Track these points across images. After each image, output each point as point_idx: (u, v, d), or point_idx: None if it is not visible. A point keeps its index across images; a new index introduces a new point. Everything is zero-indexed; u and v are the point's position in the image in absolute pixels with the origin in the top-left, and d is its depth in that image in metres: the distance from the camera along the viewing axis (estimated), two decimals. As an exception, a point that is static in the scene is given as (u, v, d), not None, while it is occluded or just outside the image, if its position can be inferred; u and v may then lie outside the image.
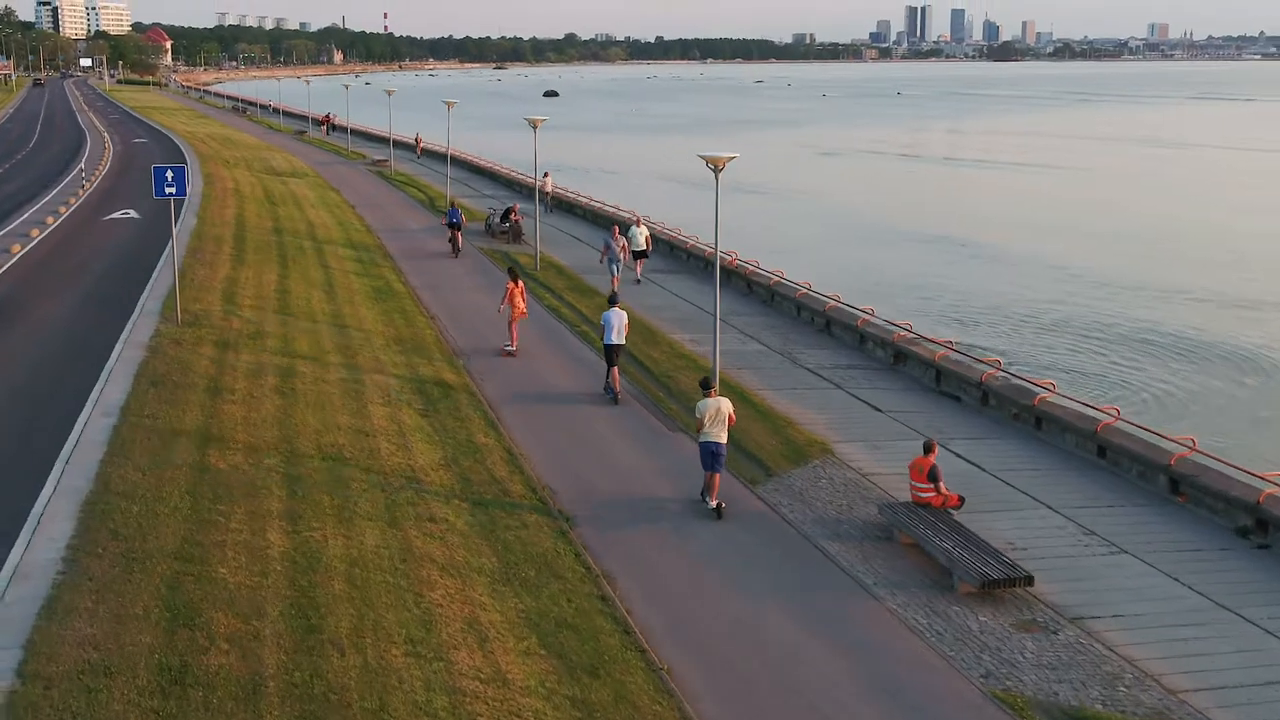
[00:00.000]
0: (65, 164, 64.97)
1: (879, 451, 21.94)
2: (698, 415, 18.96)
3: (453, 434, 21.51)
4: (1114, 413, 22.13)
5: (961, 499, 18.22)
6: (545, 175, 63.83)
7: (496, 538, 16.95)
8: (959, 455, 21.74)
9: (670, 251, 43.71)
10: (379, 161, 76.90)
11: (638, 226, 37.99)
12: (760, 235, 53.55)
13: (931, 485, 18.01)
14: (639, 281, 37.03)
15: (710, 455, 18.71)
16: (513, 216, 47.81)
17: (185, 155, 70.71)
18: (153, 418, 19.35)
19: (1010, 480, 20.57)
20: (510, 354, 27.86)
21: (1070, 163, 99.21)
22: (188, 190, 27.04)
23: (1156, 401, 30.13)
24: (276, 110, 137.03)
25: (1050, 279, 47.16)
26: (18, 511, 15.21)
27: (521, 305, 28.05)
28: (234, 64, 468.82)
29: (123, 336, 24.84)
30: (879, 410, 24.83)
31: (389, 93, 75.17)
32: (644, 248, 37.51)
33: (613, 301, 25.72)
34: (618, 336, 24.73)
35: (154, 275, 31.97)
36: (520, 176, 68.24)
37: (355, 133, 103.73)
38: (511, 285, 28.03)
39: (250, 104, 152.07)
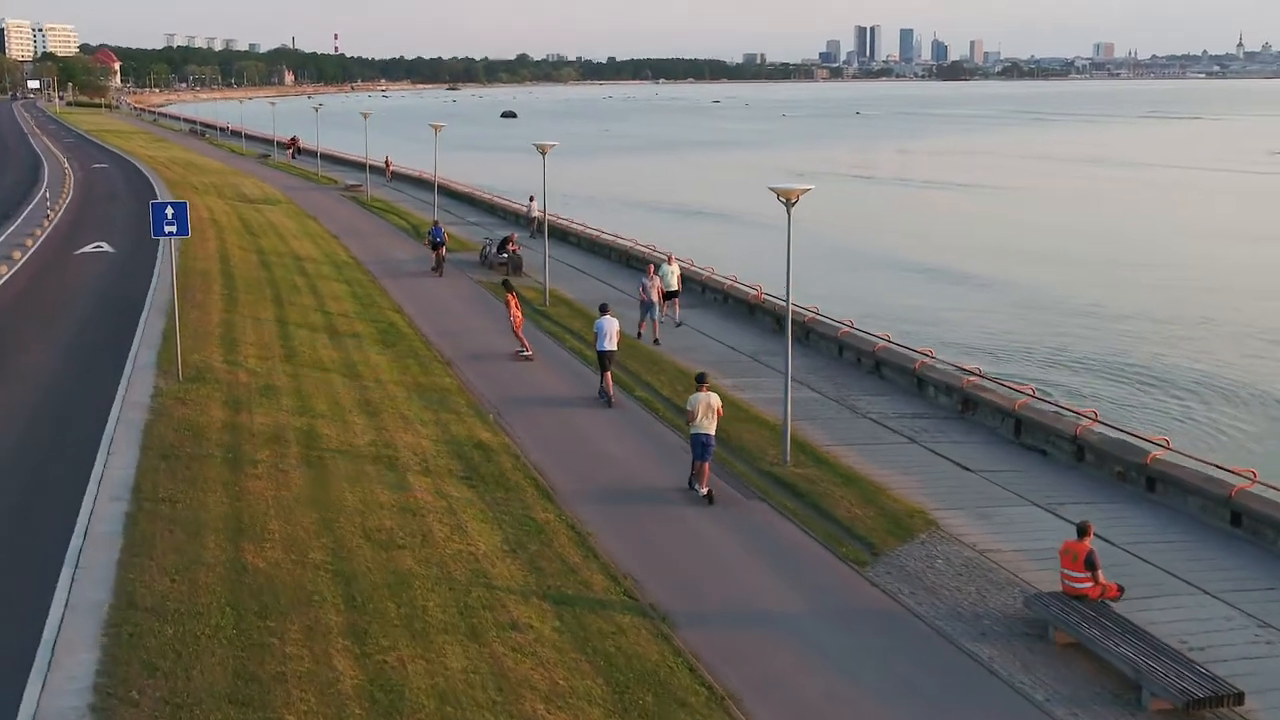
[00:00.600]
0: (24, 193, 61.61)
1: (988, 522, 19.46)
2: (689, 408, 20.45)
3: (507, 509, 18.83)
4: (1250, 475, 19.75)
5: (1121, 589, 15.75)
6: (531, 199, 61.33)
7: (594, 649, 14.29)
8: (1075, 524, 19.29)
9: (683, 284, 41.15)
10: (353, 187, 74.02)
11: (669, 264, 35.08)
12: (747, 261, 51.32)
13: (1089, 574, 15.53)
14: (679, 324, 34.15)
15: (700, 445, 20.21)
16: (510, 247, 45.17)
17: (151, 182, 67.52)
18: (170, 501, 16.56)
19: (1147, 557, 18.14)
20: (527, 358, 29.53)
21: (1046, 185, 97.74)
22: (188, 228, 24.01)
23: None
24: (237, 133, 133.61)
25: (1059, 309, 45.06)
26: (27, 636, 12.43)
27: (518, 314, 30.03)
28: (184, 85, 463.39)
29: (119, 394, 22.00)
30: (968, 469, 22.35)
31: (364, 115, 72.30)
32: (676, 287, 34.80)
33: (604, 310, 26.57)
34: (610, 343, 25.70)
35: (142, 319, 29.06)
36: (504, 202, 65.68)
37: (323, 156, 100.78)
38: (510, 296, 30.11)
39: (208, 126, 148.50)
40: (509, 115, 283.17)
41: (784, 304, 34.23)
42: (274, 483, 17.93)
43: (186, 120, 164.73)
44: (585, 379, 27.79)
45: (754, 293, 36.81)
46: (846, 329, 31.38)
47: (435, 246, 43.03)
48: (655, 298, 32.11)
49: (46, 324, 28.97)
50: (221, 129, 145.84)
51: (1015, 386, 25.87)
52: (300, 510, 16.97)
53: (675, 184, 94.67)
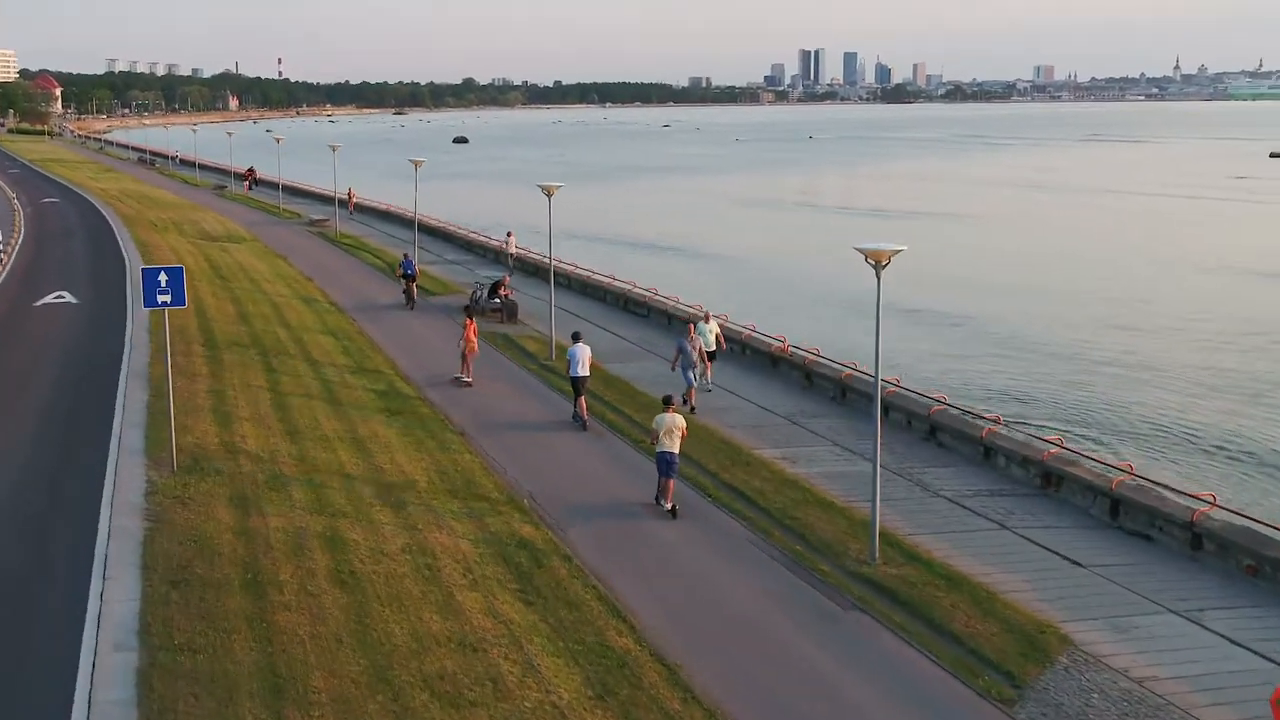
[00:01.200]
0: (-29, 231, 58.15)
1: (1128, 638, 16.85)
2: (655, 428, 21.52)
3: (578, 635, 15.99)
4: None
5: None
6: (509, 235, 58.55)
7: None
8: (1228, 638, 16.80)
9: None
10: (319, 221, 70.81)
11: (707, 322, 31.88)
12: (748, 304, 48.97)
13: (1313, 732, 12.93)
14: (710, 389, 30.87)
15: (665, 463, 21.28)
16: (503, 291, 42.32)
17: (107, 218, 64.01)
18: (190, 650, 13.62)
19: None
20: (466, 384, 30.33)
21: (1014, 213, 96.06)
22: (185, 298, 21.02)
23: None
24: (189, 163, 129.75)
25: (1072, 353, 42.79)
26: None
27: (474, 341, 30.63)
28: (126, 111, 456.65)
29: (107, 493, 18.96)
30: (1078, 565, 19.75)
31: (333, 148, 68.99)
32: (715, 347, 31.78)
33: (576, 338, 27.80)
34: (583, 369, 26.91)
35: (121, 387, 25.91)
36: (482, 239, 62.78)
37: (283, 188, 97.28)
38: (468, 321, 31.14)
39: (158, 155, 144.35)
40: (461, 141, 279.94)
41: (815, 356, 32.06)
42: (307, 614, 15.00)
43: (135, 149, 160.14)
44: (633, 465, 25.01)
45: (778, 344, 34.18)
46: (894, 388, 28.78)
47: (407, 279, 42.74)
48: (696, 361, 29.13)
49: (11, 396, 25.78)
50: (170, 157, 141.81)
51: (1110, 462, 23.39)
52: (344, 654, 14.07)
53: (648, 214, 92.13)
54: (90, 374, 27.63)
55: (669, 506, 21.23)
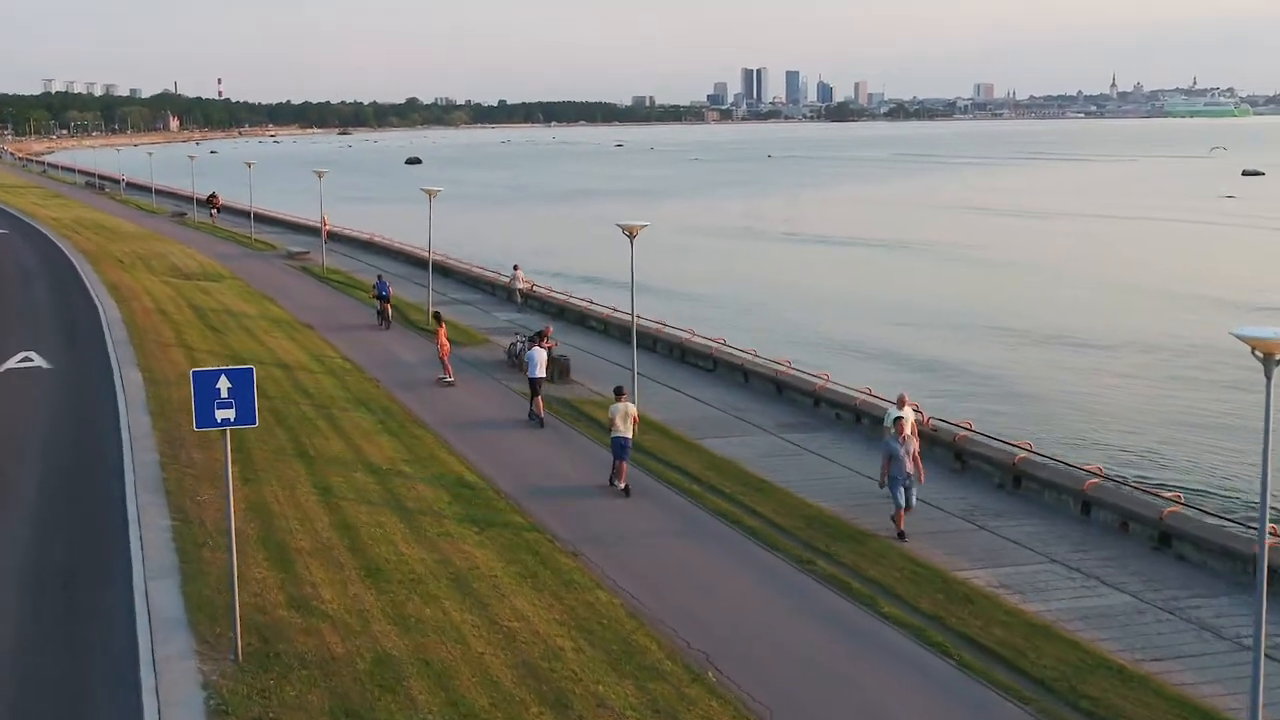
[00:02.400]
0: (-90, 271, 51.25)
1: None
2: (610, 415, 23.84)
3: None
4: None
5: None
6: (515, 269, 52.79)
7: None
8: None
9: (725, 371, 32.62)
10: (299, 255, 64.32)
11: (903, 407, 23.76)
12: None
13: None
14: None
15: (619, 447, 23.35)
16: (547, 344, 36.29)
17: (67, 254, 57.24)
18: None
19: None
20: (449, 384, 33.09)
21: (995, 240, 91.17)
22: (255, 412, 14.76)
23: None
24: (142, 187, 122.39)
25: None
26: None
27: (446, 344, 33.74)
28: (65, 132, 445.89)
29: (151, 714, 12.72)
30: (1239, 646, 14.08)
31: (319, 174, 62.48)
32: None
33: (533, 341, 31.38)
34: (540, 371, 29.04)
35: (131, 506, 19.60)
36: (489, 274, 56.60)
37: (243, 214, 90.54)
38: (440, 329, 34.12)
39: (107, 179, 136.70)
40: (414, 161, 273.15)
41: (825, 382, 26.65)
42: None
43: (81, 172, 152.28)
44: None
45: (783, 366, 28.66)
46: (932, 420, 23.67)
47: (382, 300, 42.48)
48: (911, 465, 21.38)
49: (-17, 513, 19.45)
50: (117, 180, 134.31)
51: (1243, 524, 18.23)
52: None
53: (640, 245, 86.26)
54: (84, 481, 21.30)
55: (622, 486, 23.29)
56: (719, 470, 24.85)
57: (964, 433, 25.82)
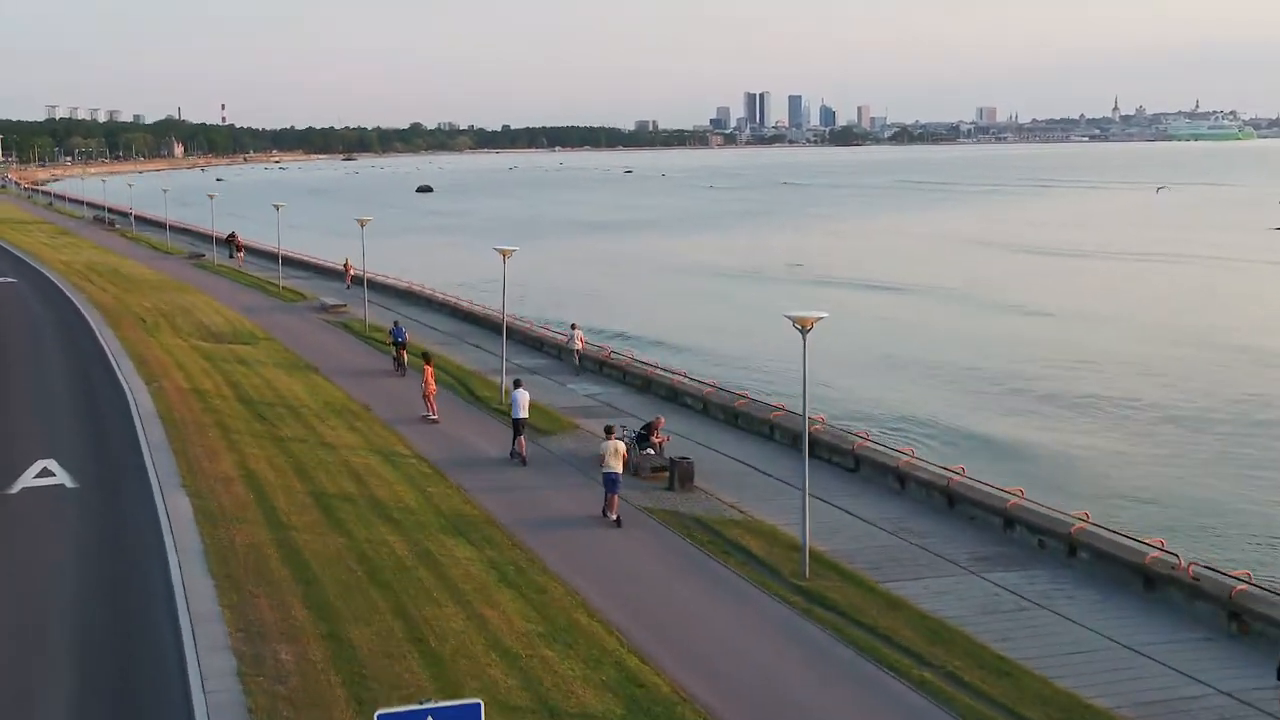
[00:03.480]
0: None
1: None
2: (600, 452, 25.91)
3: None
4: None
5: None
6: (573, 327, 47.47)
7: None
8: None
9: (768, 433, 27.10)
10: (335, 308, 58.84)
11: None
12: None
13: None
14: None
15: (610, 481, 25.32)
16: (657, 438, 30.87)
17: (81, 310, 51.88)
18: None
19: None
20: (433, 421, 34.67)
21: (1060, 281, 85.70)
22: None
23: None
24: (154, 223, 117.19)
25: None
26: None
27: (433, 385, 35.54)
28: (69, 160, 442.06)
29: None
30: None
31: (361, 223, 56.79)
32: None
33: (517, 384, 31.79)
34: (523, 412, 30.62)
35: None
36: (544, 332, 51.20)
37: (266, 255, 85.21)
38: (427, 367, 36.07)
39: (116, 213, 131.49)
40: (424, 190, 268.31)
41: (867, 441, 21.10)
42: None
43: (89, 204, 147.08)
44: None
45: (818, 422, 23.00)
46: (958, 478, 17.77)
47: (397, 346, 42.66)
48: None
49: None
50: (126, 214, 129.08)
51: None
52: None
53: (669, 293, 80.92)
54: (138, 687, 15.76)
55: (614, 517, 25.05)
56: (943, 642, 19.33)
57: None
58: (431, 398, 35.22)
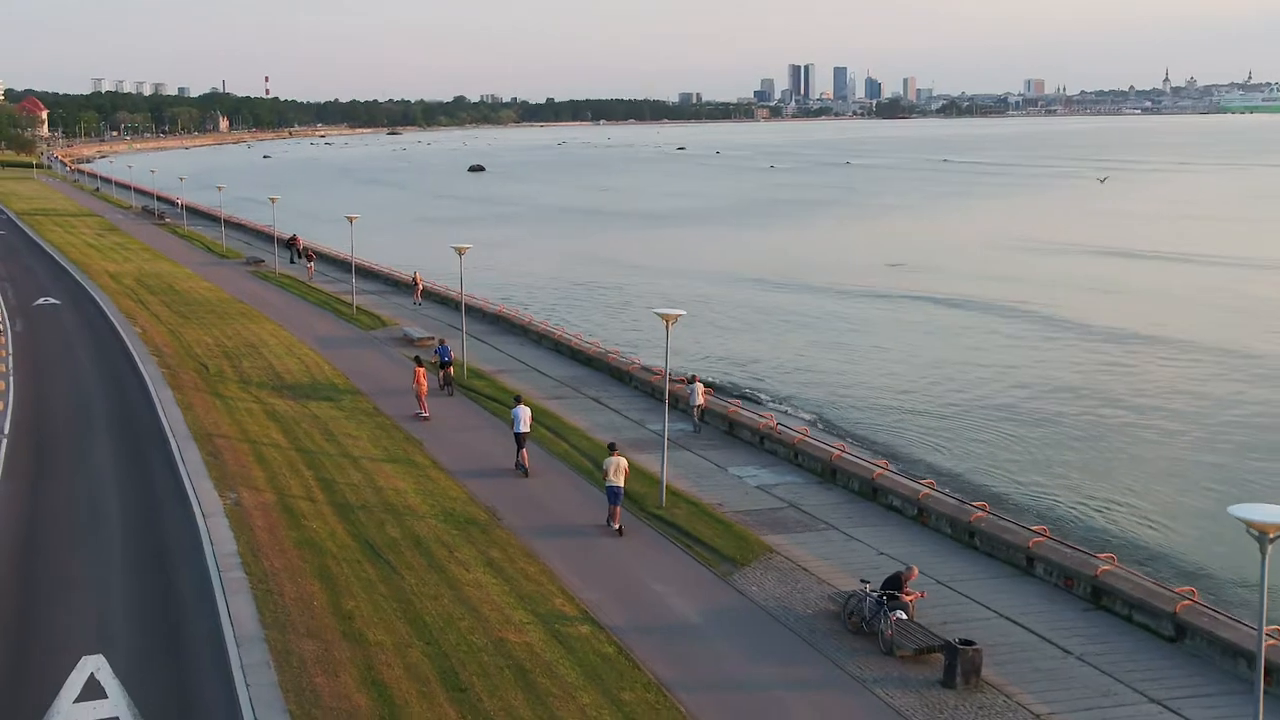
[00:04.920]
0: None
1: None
2: (604, 468, 27.43)
3: None
4: None
5: None
6: (693, 380, 39.48)
7: None
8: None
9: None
10: (420, 341, 50.88)
11: None
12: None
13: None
14: None
15: (613, 494, 27.14)
16: (907, 595, 22.78)
17: (130, 350, 44.31)
18: None
19: None
20: (424, 419, 37.14)
21: None
22: None
23: None
24: (200, 213, 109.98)
25: None
26: None
27: (424, 385, 38.00)
28: (115, 134, 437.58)
29: None
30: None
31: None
32: None
33: (517, 400, 33.49)
34: (525, 427, 31.86)
35: None
36: (650, 374, 42.83)
37: (326, 258, 77.56)
38: (418, 370, 38.41)
39: (164, 202, 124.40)
40: (476, 169, 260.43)
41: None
42: None
43: (138, 191, 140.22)
44: None
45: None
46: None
47: (444, 366, 41.54)
48: None
49: None
50: (174, 203, 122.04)
51: None
52: None
53: (826, 315, 72.45)
54: None
55: (616, 527, 27.19)
56: None
57: None
58: (423, 397, 37.96)
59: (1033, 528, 27.21)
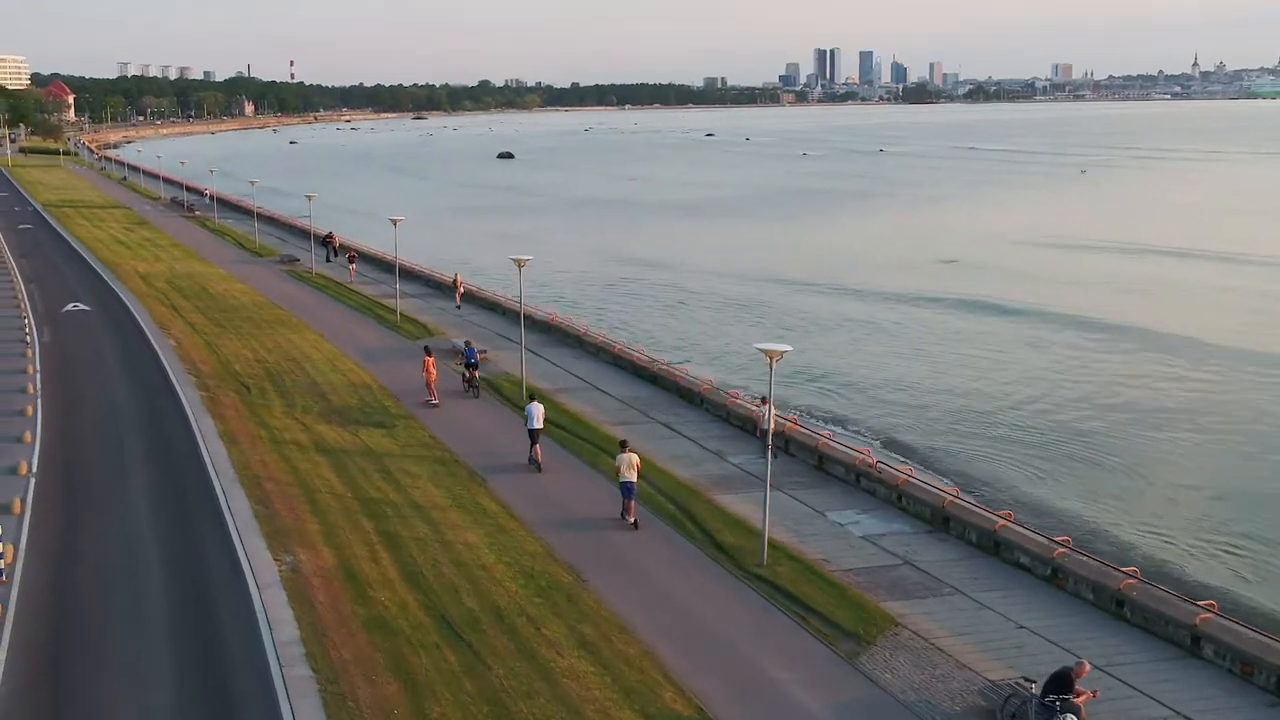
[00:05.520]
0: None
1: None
2: (616, 464, 28.43)
3: None
4: None
5: None
6: (762, 401, 36.02)
7: None
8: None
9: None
10: (470, 375, 47.31)
11: None
12: None
13: None
14: None
15: (626, 490, 28.06)
16: (1077, 696, 19.51)
17: (169, 372, 41.26)
18: None
19: None
20: (434, 405, 39.10)
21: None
22: None
23: None
24: (229, 204, 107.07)
25: None
26: None
27: (434, 374, 39.89)
28: (141, 119, 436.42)
29: None
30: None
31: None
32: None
33: (531, 398, 34.84)
34: (538, 424, 33.08)
35: None
36: (740, 405, 39.51)
37: (364, 257, 74.44)
38: (428, 359, 39.96)
39: (193, 193, 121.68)
40: (505, 156, 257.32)
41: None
42: None
43: (166, 181, 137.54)
44: None
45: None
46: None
47: (469, 368, 41.48)
48: None
49: None
50: (202, 193, 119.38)
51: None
52: None
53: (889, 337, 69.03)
54: None
55: (631, 520, 28.03)
56: None
57: None
58: (432, 384, 39.94)
59: (1198, 602, 23.86)
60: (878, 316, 63.86)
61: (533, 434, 33.10)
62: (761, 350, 25.90)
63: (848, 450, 34.22)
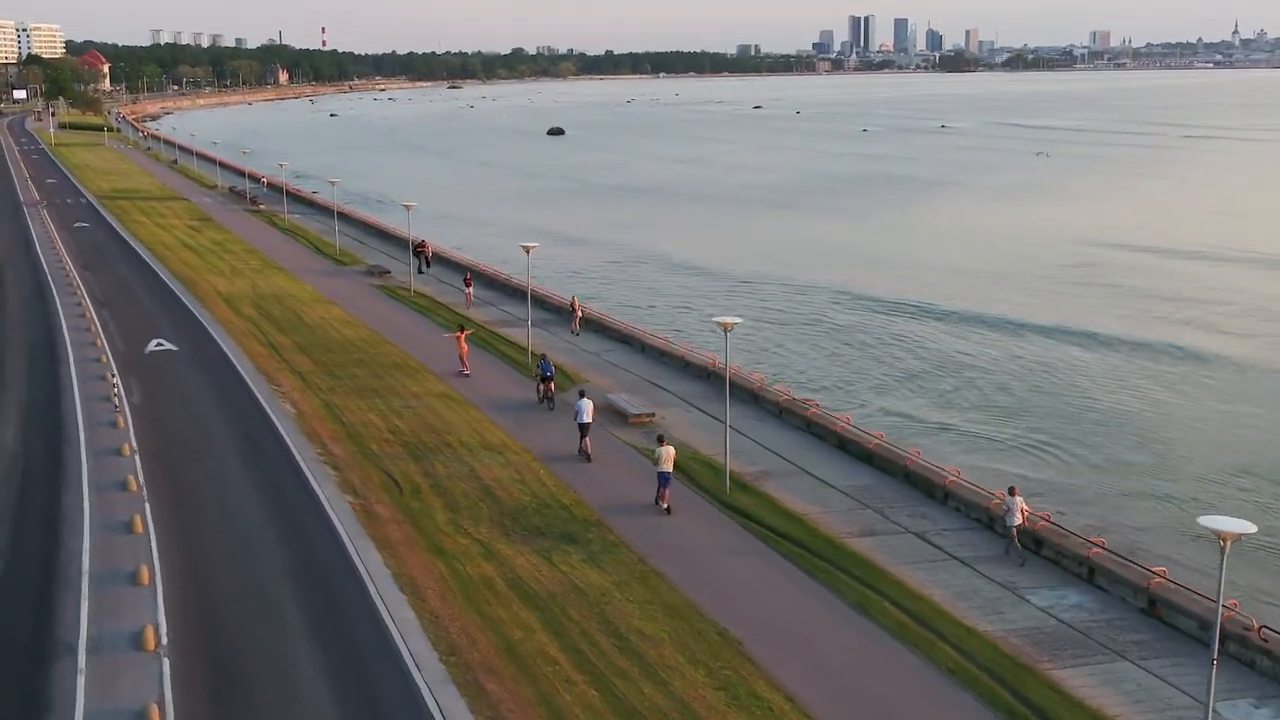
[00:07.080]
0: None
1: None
2: (656, 456, 30.67)
3: None
4: None
5: None
6: (1012, 492, 28.66)
7: None
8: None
9: None
10: (634, 418, 39.72)
11: None
12: None
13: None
14: None
15: (663, 478, 30.48)
16: None
17: (300, 462, 33.55)
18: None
19: None
20: (465, 375, 43.82)
21: None
22: None
23: None
24: (302, 201, 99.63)
25: None
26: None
27: (465, 348, 44.62)
28: (177, 88, 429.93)
29: None
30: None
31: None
32: None
33: (581, 394, 36.50)
34: (588, 418, 34.85)
35: None
36: (897, 455, 31.62)
37: (447, 263, 66.73)
38: (460, 334, 45.19)
39: (254, 181, 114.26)
40: (556, 133, 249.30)
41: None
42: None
43: (221, 165, 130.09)
44: None
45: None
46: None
47: (545, 380, 40.45)
48: None
49: None
50: (259, 180, 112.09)
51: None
52: None
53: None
54: None
55: (665, 506, 30.48)
56: None
57: None
58: (465, 357, 44.31)
59: None
60: (1018, 348, 55.66)
61: (582, 428, 34.84)
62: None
63: (1082, 540, 26.14)
